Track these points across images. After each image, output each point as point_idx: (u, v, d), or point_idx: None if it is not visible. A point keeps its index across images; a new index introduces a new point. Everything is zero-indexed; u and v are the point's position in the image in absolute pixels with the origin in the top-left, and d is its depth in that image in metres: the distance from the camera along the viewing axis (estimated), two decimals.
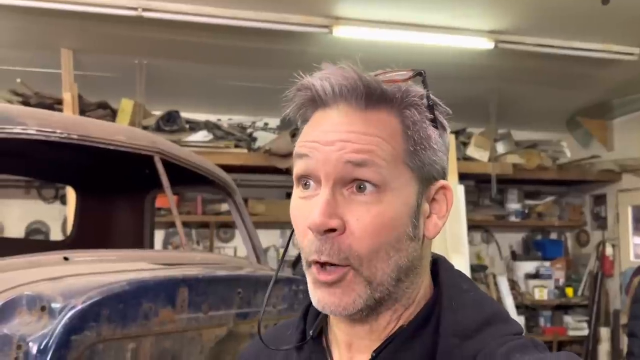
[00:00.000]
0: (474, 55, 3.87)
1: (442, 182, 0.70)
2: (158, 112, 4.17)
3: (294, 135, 3.71)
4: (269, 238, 5.05)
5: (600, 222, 5.46)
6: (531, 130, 5.50)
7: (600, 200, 5.49)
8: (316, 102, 0.69)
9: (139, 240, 2.76)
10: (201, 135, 4.04)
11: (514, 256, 5.56)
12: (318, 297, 0.66)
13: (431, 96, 0.69)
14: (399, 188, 0.66)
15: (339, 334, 0.72)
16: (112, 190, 2.74)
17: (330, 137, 0.65)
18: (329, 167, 0.64)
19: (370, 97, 0.66)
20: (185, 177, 2.26)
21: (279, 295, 1.87)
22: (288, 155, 3.87)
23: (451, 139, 2.54)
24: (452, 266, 0.75)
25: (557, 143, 5.24)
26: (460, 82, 4.20)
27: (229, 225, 5.34)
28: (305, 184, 0.68)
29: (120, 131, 1.86)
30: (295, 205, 0.69)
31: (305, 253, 0.66)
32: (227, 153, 4.08)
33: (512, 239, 5.67)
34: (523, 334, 0.69)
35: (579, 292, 5.37)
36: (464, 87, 4.33)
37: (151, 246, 2.77)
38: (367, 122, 0.66)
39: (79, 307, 1.21)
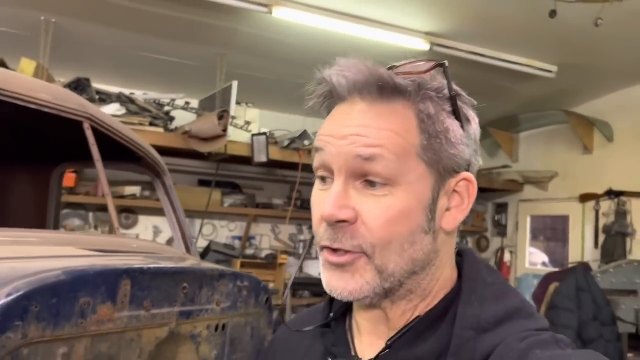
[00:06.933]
0: (409, 56, 3.82)
1: (464, 174, 0.69)
2: (62, 79, 3.71)
3: (222, 117, 3.46)
4: None
5: (500, 229, 5.73)
6: None
7: (501, 208, 5.77)
8: (334, 95, 0.69)
9: (41, 222, 2.39)
10: (113, 109, 3.64)
11: None
12: (326, 279, 0.68)
13: (453, 87, 0.68)
14: (411, 182, 0.65)
15: (359, 319, 0.74)
16: (11, 160, 2.35)
17: (343, 131, 0.66)
18: (340, 161, 0.65)
19: (383, 90, 0.66)
20: (111, 150, 1.97)
21: (223, 292, 1.66)
22: (211, 138, 3.61)
23: None
24: (477, 259, 0.73)
25: None
26: None
27: (132, 211, 4.94)
28: (322, 177, 0.69)
29: (45, 89, 1.54)
30: (314, 196, 0.70)
31: (319, 238, 0.68)
32: (141, 131, 3.71)
33: None
34: (548, 330, 0.67)
35: None
36: None
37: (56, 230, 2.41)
38: (380, 116, 0.66)
39: (2, 301, 0.94)
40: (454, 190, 0.69)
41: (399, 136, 0.65)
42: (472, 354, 0.63)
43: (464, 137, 0.68)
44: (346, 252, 0.65)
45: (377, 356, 0.69)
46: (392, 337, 0.68)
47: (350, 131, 0.65)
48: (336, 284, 0.66)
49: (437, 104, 0.67)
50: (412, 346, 0.67)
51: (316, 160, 0.69)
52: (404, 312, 0.69)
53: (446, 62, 0.69)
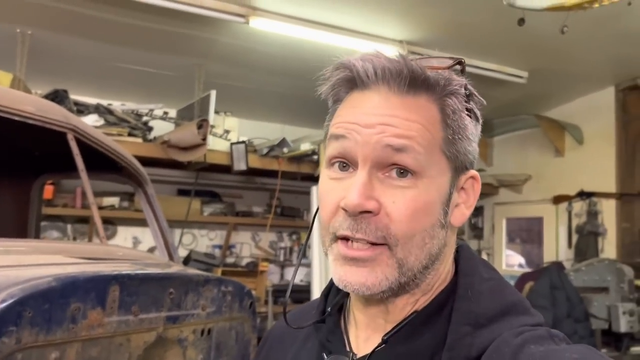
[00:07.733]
0: None
1: (472, 172, 0.71)
2: (40, 91, 3.70)
3: (201, 126, 3.48)
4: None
5: (477, 232, 5.84)
6: None
7: (477, 211, 5.88)
8: (354, 82, 0.68)
9: (22, 233, 2.39)
10: (91, 120, 3.64)
11: None
12: (341, 274, 0.65)
13: (468, 86, 0.69)
14: (435, 176, 0.65)
15: (356, 313, 0.73)
16: None
17: (370, 120, 0.64)
18: (367, 150, 0.64)
19: (414, 82, 0.65)
20: (94, 160, 1.99)
21: (208, 297, 1.70)
22: (190, 148, 3.63)
23: None
24: (473, 254, 0.74)
25: None
26: None
27: (111, 222, 4.92)
28: (343, 165, 0.67)
29: (28, 101, 1.57)
30: (326, 186, 0.68)
31: (333, 228, 0.65)
32: (119, 142, 3.71)
33: None
34: (543, 325, 0.67)
35: None
36: None
37: None
38: (408, 108, 0.65)
39: None
40: (462, 187, 0.70)
41: (427, 129, 0.64)
42: (469, 350, 0.63)
43: (476, 136, 0.70)
44: (370, 244, 0.64)
45: (373, 351, 0.68)
46: (388, 332, 0.68)
47: (379, 120, 0.64)
48: (353, 279, 0.64)
49: (460, 101, 0.67)
50: (408, 341, 0.67)
51: (334, 148, 0.66)
52: (404, 306, 0.69)
53: (464, 60, 0.69)
